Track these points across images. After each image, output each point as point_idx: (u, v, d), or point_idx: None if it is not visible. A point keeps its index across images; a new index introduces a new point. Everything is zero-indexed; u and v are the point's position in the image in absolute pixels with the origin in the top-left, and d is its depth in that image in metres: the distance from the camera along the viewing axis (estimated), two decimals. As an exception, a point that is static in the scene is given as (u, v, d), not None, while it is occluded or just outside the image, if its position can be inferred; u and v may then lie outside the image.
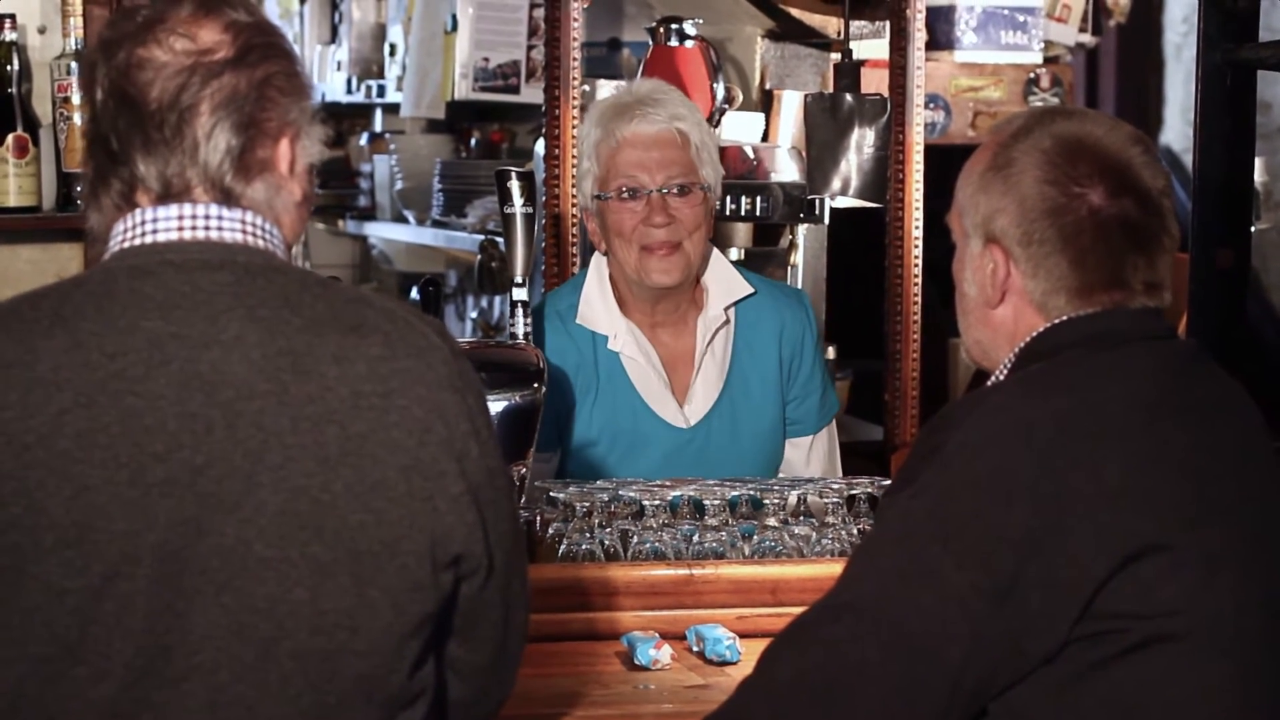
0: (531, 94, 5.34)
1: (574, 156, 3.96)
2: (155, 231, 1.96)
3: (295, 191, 2.03)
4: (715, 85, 4.30)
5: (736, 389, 3.35)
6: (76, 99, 3.39)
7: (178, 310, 1.90)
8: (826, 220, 4.40)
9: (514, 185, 3.12)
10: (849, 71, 4.22)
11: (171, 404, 1.87)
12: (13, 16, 3.45)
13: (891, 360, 4.34)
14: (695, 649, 2.66)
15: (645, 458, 3.27)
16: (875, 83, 4.39)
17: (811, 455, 3.42)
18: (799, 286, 4.46)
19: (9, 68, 3.45)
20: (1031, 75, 5.29)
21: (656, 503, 2.85)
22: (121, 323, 1.89)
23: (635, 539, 2.82)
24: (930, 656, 1.95)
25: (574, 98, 3.98)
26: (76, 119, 3.40)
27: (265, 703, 1.88)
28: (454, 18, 5.49)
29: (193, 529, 1.86)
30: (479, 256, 5.10)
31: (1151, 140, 2.20)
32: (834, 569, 2.17)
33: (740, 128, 4.49)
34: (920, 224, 4.29)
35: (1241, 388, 2.16)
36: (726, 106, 4.32)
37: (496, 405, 2.85)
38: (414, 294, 4.83)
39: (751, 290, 3.37)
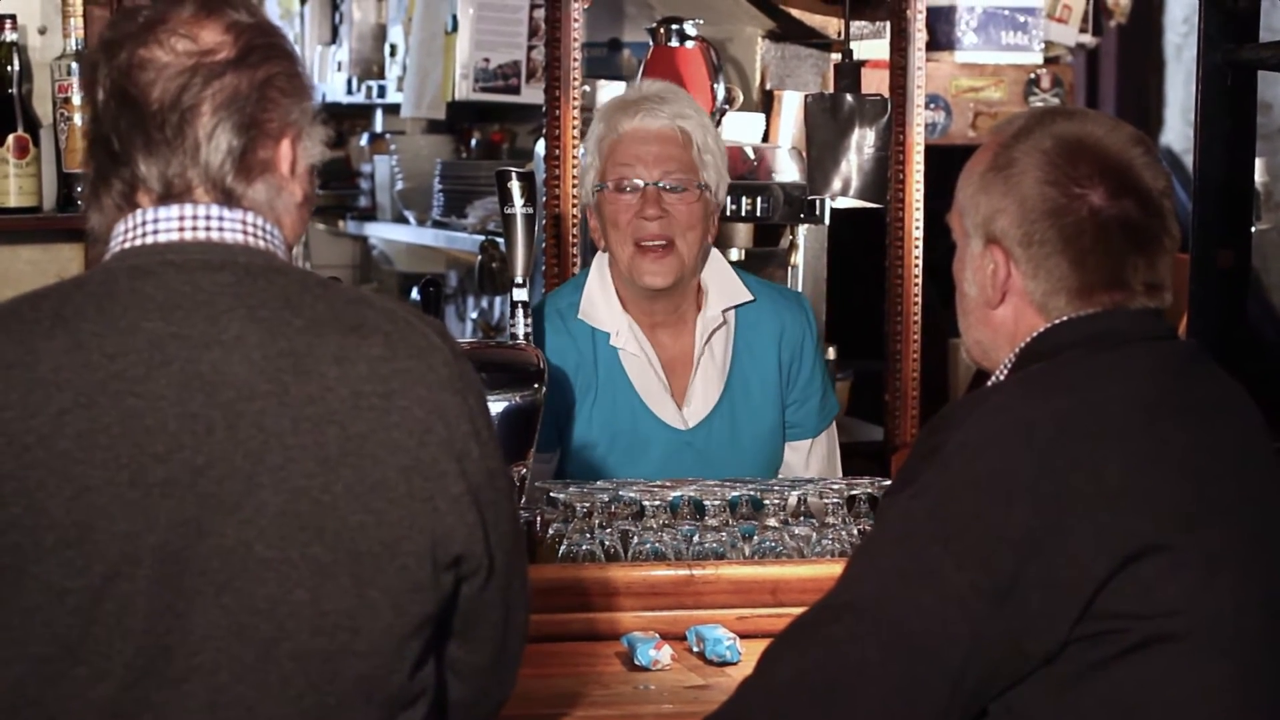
0: (532, 94, 5.34)
1: (574, 157, 3.96)
2: (156, 232, 1.96)
3: (296, 192, 2.03)
4: (716, 86, 4.30)
5: (736, 391, 3.35)
6: (77, 99, 3.40)
7: (178, 311, 1.90)
8: (827, 221, 4.41)
9: (514, 186, 3.13)
10: (849, 72, 4.22)
11: (172, 404, 1.87)
12: (13, 17, 3.45)
13: (892, 360, 4.35)
14: (695, 649, 2.66)
15: (645, 459, 3.27)
16: (876, 83, 4.40)
17: (811, 458, 3.42)
18: (799, 287, 4.46)
19: (9, 68, 3.45)
20: (1032, 76, 5.29)
21: (657, 503, 2.85)
22: (122, 323, 1.89)
23: (635, 539, 2.82)
24: (930, 657, 1.95)
25: (574, 98, 3.98)
26: (77, 119, 3.40)
27: (265, 703, 1.88)
28: (454, 18, 5.49)
29: (193, 529, 1.86)
30: (479, 257, 5.10)
31: (1152, 141, 2.21)
32: (834, 569, 2.17)
33: (740, 128, 4.49)
34: (920, 224, 4.30)
35: (1242, 388, 2.16)
36: (727, 107, 4.33)
37: (497, 406, 2.85)
38: (414, 294, 4.83)
39: (750, 298, 3.37)
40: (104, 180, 1.99)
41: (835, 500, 2.91)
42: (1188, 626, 1.97)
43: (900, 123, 4.26)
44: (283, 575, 1.88)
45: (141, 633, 1.86)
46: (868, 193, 4.14)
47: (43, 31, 3.54)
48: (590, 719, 2.42)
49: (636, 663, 2.59)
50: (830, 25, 4.73)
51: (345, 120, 6.81)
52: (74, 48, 3.42)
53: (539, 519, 2.89)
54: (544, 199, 3.95)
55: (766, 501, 2.91)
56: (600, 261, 3.37)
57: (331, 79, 6.64)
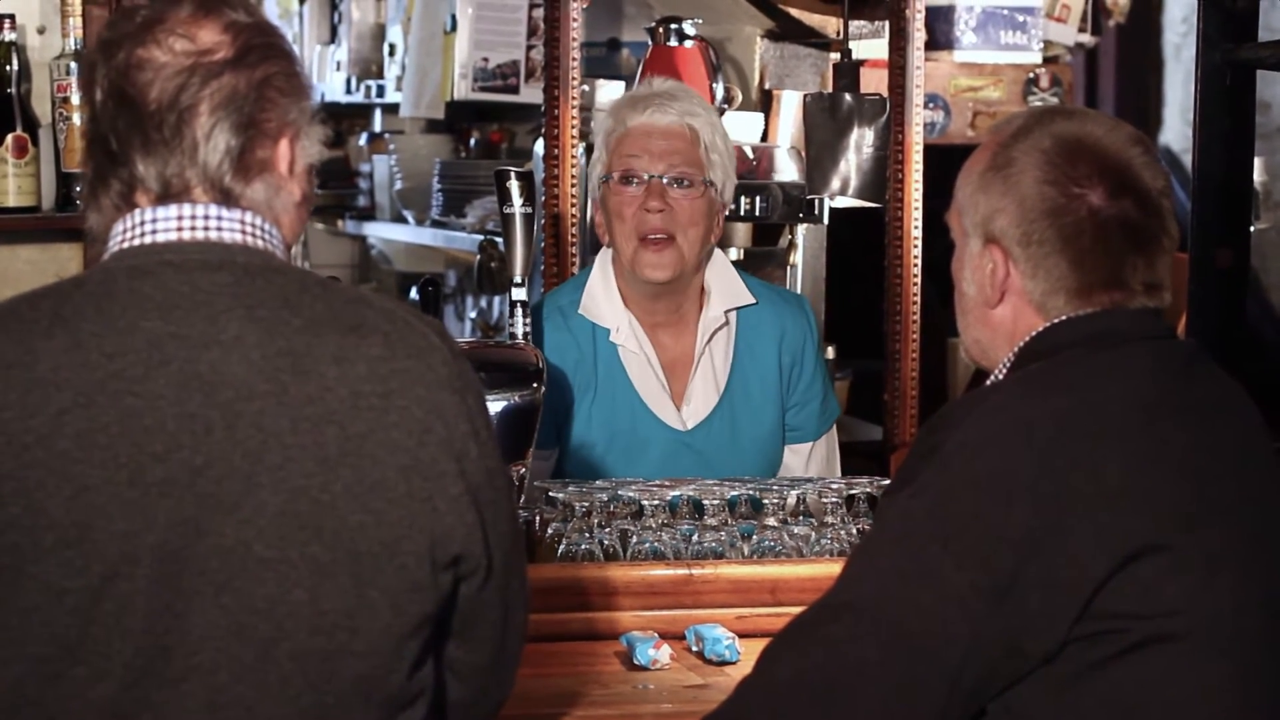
0: (531, 94, 5.34)
1: (574, 157, 3.96)
2: (154, 232, 1.96)
3: (295, 192, 2.02)
4: (714, 85, 4.30)
5: (736, 394, 3.35)
6: (76, 99, 3.40)
7: (177, 310, 1.90)
8: (826, 220, 4.40)
9: (513, 185, 3.13)
10: (848, 71, 4.22)
11: (171, 404, 1.87)
12: (12, 17, 3.45)
13: (891, 360, 4.34)
14: (694, 649, 2.66)
15: (643, 459, 3.27)
16: (874, 83, 4.39)
17: (810, 462, 3.42)
18: (798, 286, 4.46)
19: (8, 68, 3.45)
20: (1031, 75, 5.29)
21: (656, 503, 2.85)
22: (121, 323, 1.89)
23: (634, 539, 2.82)
24: (929, 656, 1.95)
25: (573, 98, 3.98)
26: (76, 119, 3.40)
27: (264, 703, 1.88)
28: (453, 18, 5.49)
29: (192, 529, 1.86)
30: (478, 256, 5.10)
31: (1151, 140, 2.20)
32: (833, 569, 2.17)
33: (740, 128, 4.49)
34: (919, 224, 4.30)
35: (1241, 388, 2.16)
36: (726, 106, 4.33)
37: (496, 405, 2.85)
38: (413, 294, 4.84)
39: (753, 301, 3.37)
40: (102, 180, 1.99)
41: (834, 500, 2.91)
42: (1187, 626, 1.96)
43: (899, 122, 4.26)
44: (281, 575, 1.88)
45: (140, 632, 1.85)
46: (867, 192, 4.13)
47: (41, 31, 3.54)
48: (589, 718, 2.42)
49: (635, 662, 2.59)
50: (829, 25, 4.73)
51: (344, 120, 6.81)
52: (73, 47, 3.42)
53: (538, 518, 2.89)
54: (543, 198, 3.95)
55: (765, 501, 2.91)
56: (604, 257, 3.37)
57: (330, 78, 6.64)
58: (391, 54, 6.22)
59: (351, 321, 1.94)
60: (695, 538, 2.83)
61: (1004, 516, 1.95)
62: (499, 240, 4.85)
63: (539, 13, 5.14)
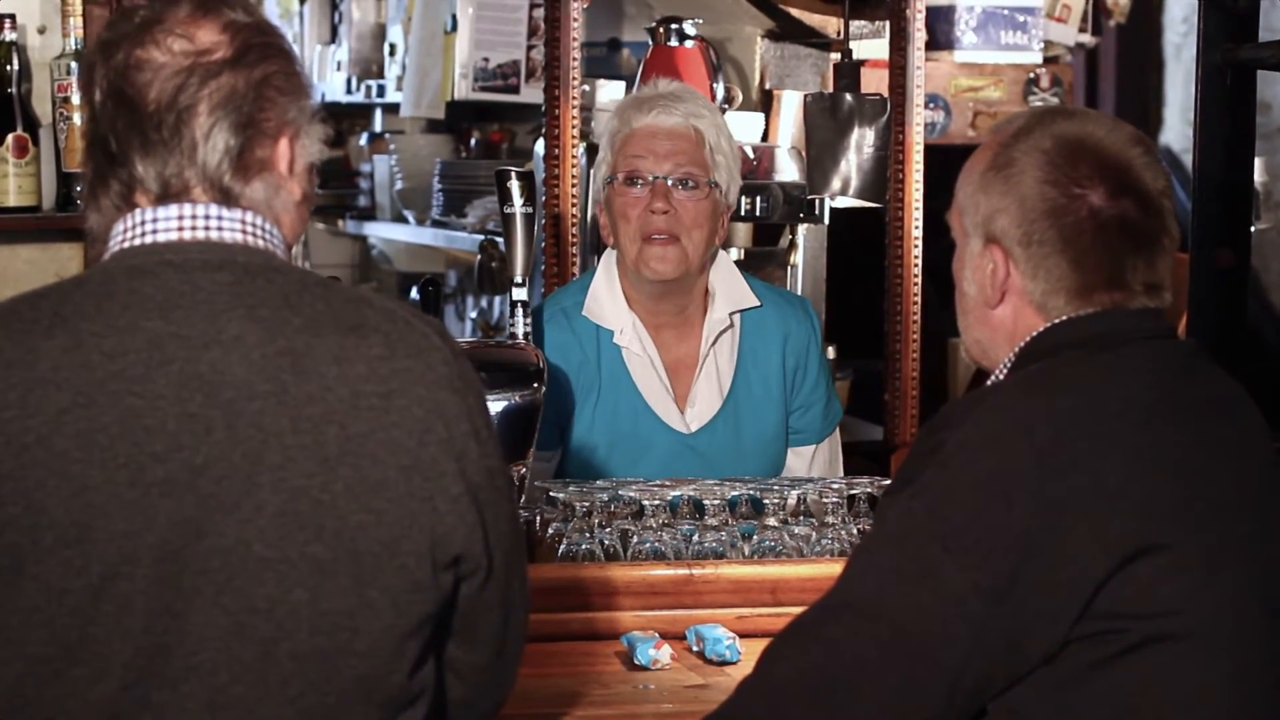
0: (531, 94, 5.34)
1: (574, 157, 3.96)
2: (155, 232, 1.96)
3: (295, 191, 2.02)
4: (715, 85, 4.30)
5: (740, 396, 3.34)
6: (76, 99, 3.40)
7: (177, 310, 1.90)
8: (826, 220, 4.41)
9: (514, 185, 3.13)
10: (849, 71, 4.22)
11: (171, 404, 1.87)
12: (12, 16, 3.45)
13: (891, 360, 4.35)
14: (695, 649, 2.66)
15: (646, 461, 3.27)
16: (875, 83, 4.40)
17: (814, 464, 3.41)
18: (799, 286, 4.46)
19: (9, 68, 3.45)
20: (1031, 75, 5.29)
21: (656, 502, 2.85)
22: (121, 323, 1.89)
23: (635, 539, 2.82)
24: (929, 656, 1.95)
25: (574, 98, 3.98)
26: (76, 119, 3.40)
27: (265, 703, 1.88)
28: (454, 18, 5.49)
29: (192, 529, 1.86)
30: (479, 256, 5.10)
31: (1151, 140, 2.20)
32: (834, 569, 2.17)
33: (740, 128, 4.49)
34: (920, 224, 4.30)
35: (1241, 388, 2.16)
36: (726, 106, 4.33)
37: (496, 405, 2.85)
38: (414, 294, 4.83)
39: (757, 303, 3.37)
40: (102, 180, 1.99)
41: (835, 500, 2.91)
42: (1187, 626, 1.96)
43: (899, 122, 4.26)
44: (282, 575, 1.87)
45: (140, 632, 1.85)
46: (867, 192, 4.14)
47: (42, 31, 3.54)
48: (590, 718, 2.42)
49: (636, 662, 2.59)
50: (830, 25, 4.73)
51: (344, 120, 6.81)
52: (73, 47, 3.42)
53: (539, 518, 2.89)
54: (543, 198, 3.95)
55: (766, 501, 2.91)
56: (609, 259, 3.37)
57: (331, 78, 6.64)
58: (392, 54, 6.22)
59: (352, 321, 1.94)
60: (696, 538, 2.83)
61: (1004, 517, 1.95)
62: (499, 240, 4.85)
63: (539, 13, 5.14)
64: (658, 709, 2.46)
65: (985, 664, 1.96)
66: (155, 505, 1.85)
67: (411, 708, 1.97)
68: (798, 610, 2.07)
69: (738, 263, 3.68)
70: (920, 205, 4.30)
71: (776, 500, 2.92)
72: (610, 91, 4.39)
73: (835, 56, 4.42)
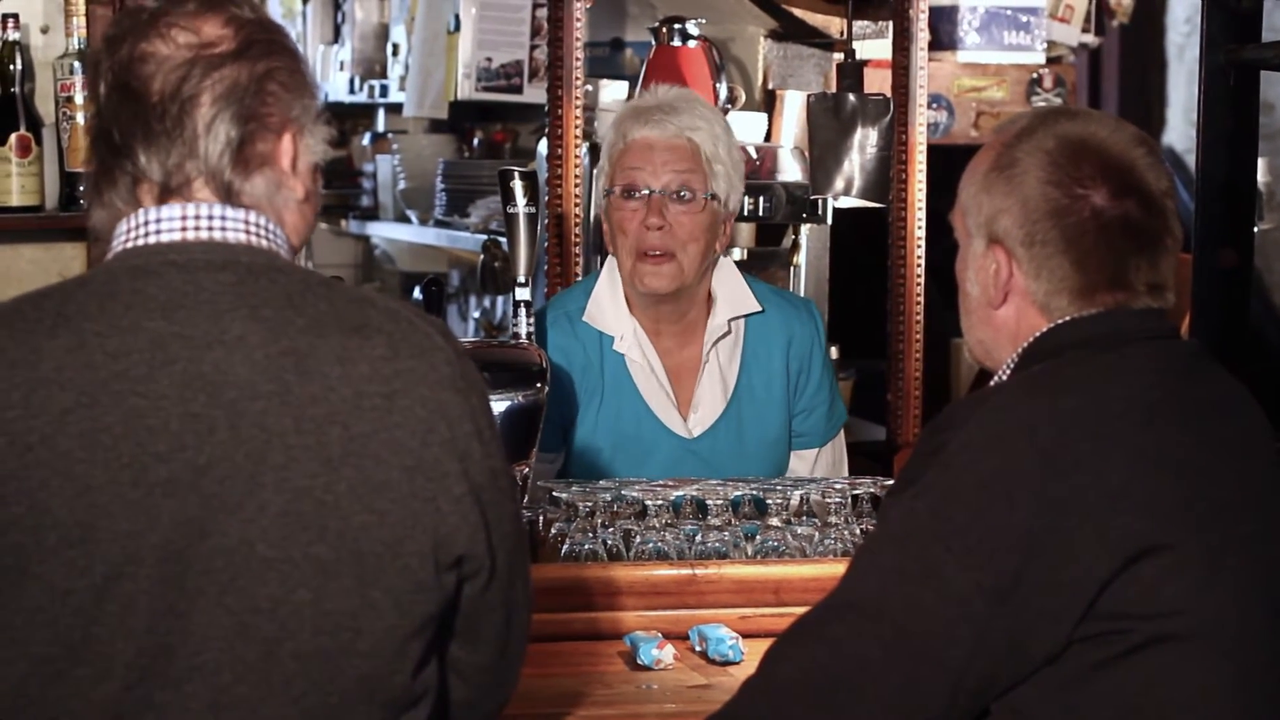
0: (534, 94, 5.34)
1: (577, 157, 3.96)
2: (158, 232, 1.96)
3: (297, 189, 2.02)
4: (718, 85, 4.30)
5: (743, 400, 3.34)
6: (79, 99, 3.40)
7: (181, 310, 1.90)
8: (829, 220, 4.41)
9: (517, 185, 3.13)
10: (852, 71, 4.22)
11: (174, 404, 1.87)
12: (15, 16, 3.45)
13: (894, 360, 4.35)
14: (698, 649, 2.66)
15: (649, 465, 3.27)
16: (878, 83, 4.40)
17: (817, 468, 3.41)
18: (802, 287, 4.46)
19: (12, 67, 3.45)
20: (1034, 75, 5.29)
21: (659, 502, 2.85)
22: (124, 323, 1.89)
23: (638, 539, 2.82)
24: (932, 657, 1.95)
25: (577, 98, 3.98)
26: (79, 119, 3.40)
27: (268, 703, 1.88)
28: (457, 18, 5.49)
29: (195, 529, 1.86)
30: (482, 256, 5.10)
31: (1154, 141, 2.20)
32: (837, 569, 2.17)
33: (743, 128, 4.49)
34: (923, 224, 4.30)
35: (1244, 388, 2.16)
36: (729, 106, 4.33)
37: (499, 405, 2.85)
38: (416, 294, 4.83)
39: (759, 309, 3.36)
40: (107, 174, 1.98)
41: (838, 500, 2.91)
42: (1190, 627, 1.96)
43: (902, 122, 4.26)
44: (285, 575, 1.87)
45: (143, 632, 1.85)
46: (870, 192, 4.13)
47: (45, 30, 3.54)
48: (593, 718, 2.42)
49: (639, 662, 2.59)
50: (833, 25, 4.73)
51: (348, 120, 6.81)
52: (76, 47, 3.42)
53: (542, 518, 2.88)
54: (546, 198, 3.95)
55: (769, 501, 2.91)
56: (612, 264, 3.37)
57: (334, 78, 6.64)
58: (395, 54, 6.22)
59: (355, 321, 1.94)
60: (699, 538, 2.83)
61: (1007, 517, 1.95)
62: (502, 240, 4.83)
63: (542, 12, 5.13)
64: (661, 709, 2.46)
65: (988, 664, 1.96)
66: (158, 505, 1.85)
67: (414, 708, 1.97)
68: (801, 610, 2.07)
69: (740, 263, 3.68)
70: (923, 205, 4.30)
71: (779, 500, 2.92)
72: (613, 91, 4.39)
73: (838, 56, 4.42)
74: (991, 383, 2.16)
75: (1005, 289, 2.14)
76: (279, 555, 1.87)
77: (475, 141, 6.10)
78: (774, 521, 2.89)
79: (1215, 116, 3.30)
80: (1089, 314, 2.10)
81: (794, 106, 4.61)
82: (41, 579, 1.85)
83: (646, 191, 3.26)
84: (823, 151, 4.11)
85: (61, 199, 3.50)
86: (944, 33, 5.19)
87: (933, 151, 4.36)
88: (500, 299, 5.48)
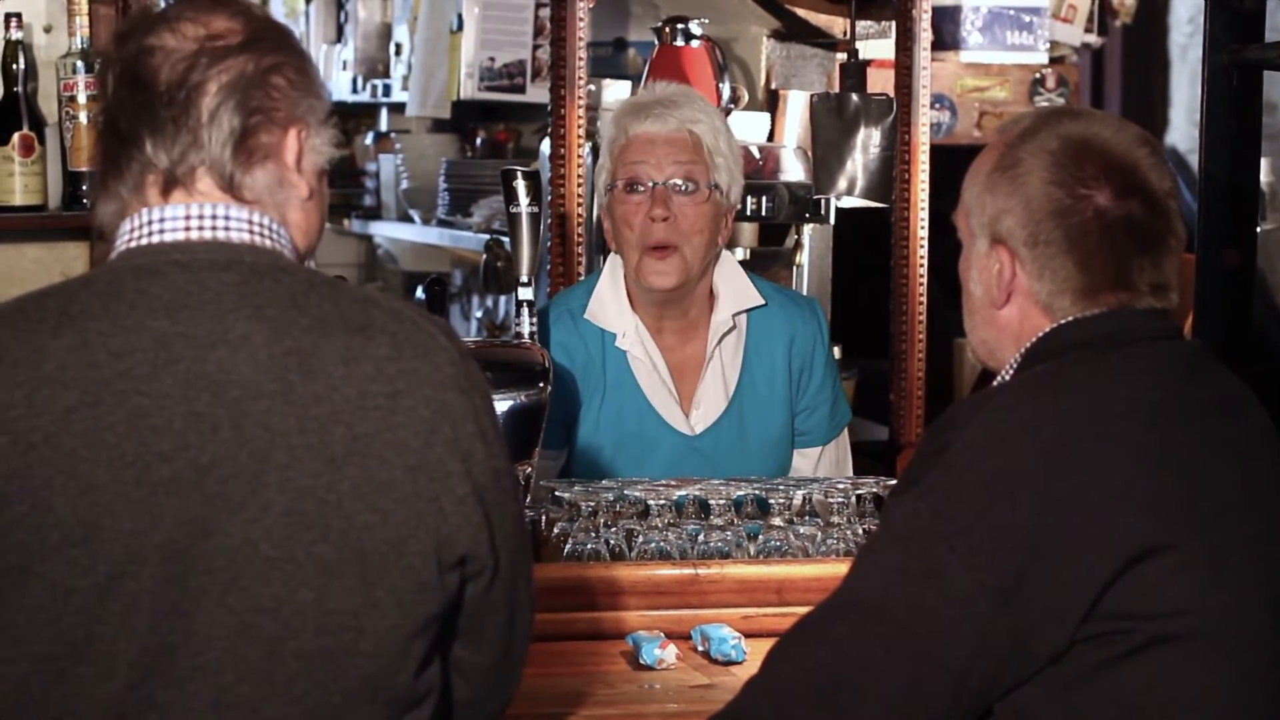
0: (537, 93, 5.34)
1: (580, 156, 3.96)
2: (162, 231, 1.96)
3: (301, 187, 2.02)
4: (721, 85, 4.30)
5: (745, 397, 3.34)
6: (82, 98, 3.40)
7: (184, 310, 1.90)
8: (832, 220, 4.40)
9: (520, 185, 3.13)
10: (855, 71, 4.22)
11: (178, 403, 1.87)
12: (19, 15, 3.46)
13: (897, 360, 4.35)
14: (700, 649, 2.66)
15: (651, 462, 3.27)
16: (881, 83, 4.39)
17: (819, 467, 3.41)
18: (804, 286, 4.46)
19: (15, 67, 3.46)
20: (1037, 75, 5.29)
21: (662, 502, 2.85)
22: (128, 322, 1.89)
23: (640, 539, 2.82)
24: (935, 656, 1.95)
25: (580, 97, 3.98)
26: (82, 118, 3.40)
27: (270, 703, 1.88)
28: (459, 17, 5.49)
29: (198, 529, 1.86)
30: (484, 256, 5.10)
31: (1157, 141, 2.20)
32: (839, 569, 2.17)
33: (746, 128, 4.49)
34: (926, 224, 4.30)
35: (1247, 388, 2.16)
36: (732, 106, 4.33)
37: (502, 405, 2.85)
38: (419, 293, 4.83)
39: (761, 302, 3.36)
40: (113, 164, 1.98)
41: (840, 499, 2.91)
42: (1193, 627, 1.96)
43: (905, 122, 4.26)
44: (288, 574, 1.88)
45: (146, 632, 1.85)
46: (873, 192, 4.13)
47: (48, 30, 3.54)
48: (595, 718, 2.42)
49: (641, 662, 2.59)
50: (836, 25, 4.73)
51: (350, 119, 6.81)
52: (79, 46, 3.42)
53: (544, 518, 2.89)
54: (549, 198, 3.95)
55: (772, 501, 2.91)
56: (614, 262, 3.37)
57: (337, 78, 6.64)
58: (398, 53, 6.22)
59: (359, 321, 1.94)
60: (701, 537, 2.83)
61: (1010, 517, 1.95)
62: (505, 240, 4.84)
63: (545, 12, 5.14)
64: (663, 709, 2.46)
65: (991, 664, 1.96)
66: (162, 504, 1.86)
67: (417, 708, 1.97)
68: (803, 610, 2.07)
69: (743, 263, 3.67)
70: (926, 205, 4.30)
71: (782, 500, 2.92)
72: (616, 91, 4.39)
73: (841, 56, 4.42)
74: (994, 383, 2.16)
75: (1008, 289, 2.14)
76: (282, 555, 1.87)
77: (478, 141, 6.10)
78: (776, 521, 2.89)
79: (1218, 117, 3.30)
80: (1092, 314, 2.10)
81: (797, 106, 4.60)
82: (44, 578, 1.85)
83: (650, 184, 3.26)
84: (825, 151, 4.11)
85: (64, 199, 3.50)
86: (947, 33, 5.19)
87: (935, 151, 4.36)
88: (503, 299, 5.48)
